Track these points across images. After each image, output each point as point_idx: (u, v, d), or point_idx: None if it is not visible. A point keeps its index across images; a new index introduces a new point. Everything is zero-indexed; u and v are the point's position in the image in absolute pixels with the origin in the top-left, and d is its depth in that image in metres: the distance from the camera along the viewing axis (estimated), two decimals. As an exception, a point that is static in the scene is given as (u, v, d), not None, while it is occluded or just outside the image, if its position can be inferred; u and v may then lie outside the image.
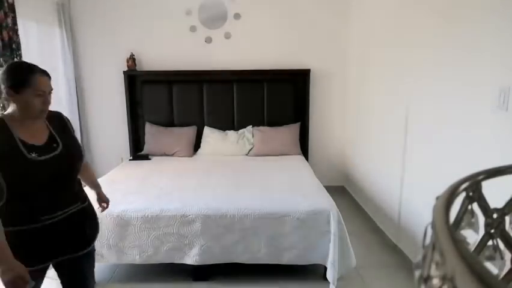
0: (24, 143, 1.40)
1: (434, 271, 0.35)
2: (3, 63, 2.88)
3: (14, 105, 1.42)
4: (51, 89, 1.48)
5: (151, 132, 4.06)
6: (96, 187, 1.86)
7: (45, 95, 1.44)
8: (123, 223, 2.38)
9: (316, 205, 2.45)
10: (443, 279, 0.33)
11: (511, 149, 1.64)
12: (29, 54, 3.38)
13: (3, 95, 1.40)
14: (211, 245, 2.39)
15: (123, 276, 2.64)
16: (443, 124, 2.24)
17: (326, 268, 2.42)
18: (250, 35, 4.22)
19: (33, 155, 1.40)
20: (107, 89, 4.29)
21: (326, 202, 2.51)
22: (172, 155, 3.95)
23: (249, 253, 2.42)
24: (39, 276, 1.51)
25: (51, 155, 1.46)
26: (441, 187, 0.47)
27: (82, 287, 1.69)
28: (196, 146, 4.09)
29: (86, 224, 1.64)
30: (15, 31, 2.97)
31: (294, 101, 4.20)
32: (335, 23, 4.22)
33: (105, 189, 2.59)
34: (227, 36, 4.21)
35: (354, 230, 2.67)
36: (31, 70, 1.42)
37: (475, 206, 0.53)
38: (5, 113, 1.44)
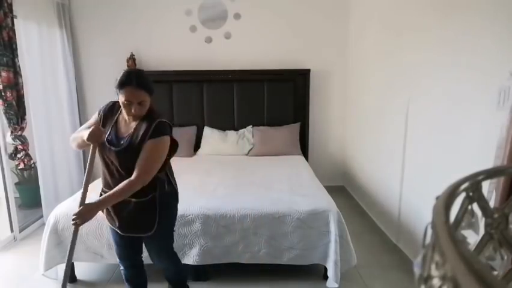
0: (115, 126, 1.79)
1: (434, 271, 0.35)
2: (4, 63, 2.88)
3: None
4: (141, 100, 1.69)
5: (151, 132, 4.05)
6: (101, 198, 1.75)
7: (131, 104, 1.68)
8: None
9: (316, 205, 2.45)
10: (443, 279, 0.33)
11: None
12: (30, 55, 3.39)
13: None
14: (211, 245, 2.39)
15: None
16: (443, 124, 2.24)
17: (326, 268, 2.42)
18: (250, 35, 4.22)
19: (109, 138, 1.75)
20: (107, 89, 4.28)
21: (325, 202, 2.50)
22: (172, 155, 3.95)
23: (249, 253, 2.42)
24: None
25: (112, 147, 1.72)
26: (441, 187, 0.47)
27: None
28: (196, 146, 4.09)
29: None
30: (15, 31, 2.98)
31: (294, 101, 4.20)
32: (335, 23, 4.22)
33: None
34: (227, 36, 4.21)
35: (354, 230, 2.67)
36: (128, 80, 1.66)
37: (475, 206, 0.53)
38: None
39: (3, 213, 3.18)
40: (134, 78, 1.66)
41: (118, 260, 2.04)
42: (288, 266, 2.46)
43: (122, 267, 2.05)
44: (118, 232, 1.90)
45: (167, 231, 1.96)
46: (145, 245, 1.99)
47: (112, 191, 1.70)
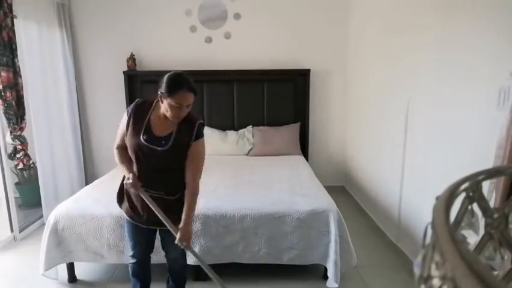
0: (148, 125, 1.79)
1: (434, 271, 0.35)
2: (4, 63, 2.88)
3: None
4: (190, 103, 1.73)
5: (151, 132, 4.05)
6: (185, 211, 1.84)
7: (181, 107, 1.70)
8: (123, 223, 2.38)
9: (316, 205, 2.45)
10: (443, 279, 0.33)
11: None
12: (30, 55, 3.39)
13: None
14: (211, 245, 2.39)
15: (123, 276, 2.63)
16: (443, 124, 2.23)
17: (326, 268, 2.42)
18: (250, 35, 4.22)
19: (144, 137, 1.76)
20: (107, 89, 4.29)
21: (325, 202, 2.50)
22: (172, 155, 3.95)
23: (249, 253, 2.42)
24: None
25: (154, 147, 1.75)
26: (441, 187, 0.47)
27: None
28: (196, 146, 4.09)
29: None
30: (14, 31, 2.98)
31: (294, 101, 4.20)
32: (335, 23, 4.22)
33: (106, 190, 2.60)
34: (227, 36, 4.21)
35: (354, 230, 2.67)
36: (180, 85, 1.67)
37: (475, 206, 0.53)
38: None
39: (3, 213, 3.18)
40: (185, 83, 1.69)
41: (130, 254, 2.06)
42: (288, 266, 2.46)
43: (132, 261, 2.07)
44: (137, 227, 1.95)
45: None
46: (165, 237, 2.01)
47: (186, 209, 1.82)
